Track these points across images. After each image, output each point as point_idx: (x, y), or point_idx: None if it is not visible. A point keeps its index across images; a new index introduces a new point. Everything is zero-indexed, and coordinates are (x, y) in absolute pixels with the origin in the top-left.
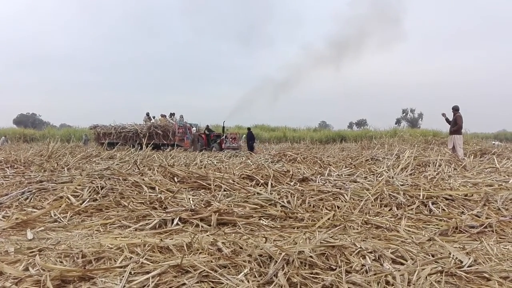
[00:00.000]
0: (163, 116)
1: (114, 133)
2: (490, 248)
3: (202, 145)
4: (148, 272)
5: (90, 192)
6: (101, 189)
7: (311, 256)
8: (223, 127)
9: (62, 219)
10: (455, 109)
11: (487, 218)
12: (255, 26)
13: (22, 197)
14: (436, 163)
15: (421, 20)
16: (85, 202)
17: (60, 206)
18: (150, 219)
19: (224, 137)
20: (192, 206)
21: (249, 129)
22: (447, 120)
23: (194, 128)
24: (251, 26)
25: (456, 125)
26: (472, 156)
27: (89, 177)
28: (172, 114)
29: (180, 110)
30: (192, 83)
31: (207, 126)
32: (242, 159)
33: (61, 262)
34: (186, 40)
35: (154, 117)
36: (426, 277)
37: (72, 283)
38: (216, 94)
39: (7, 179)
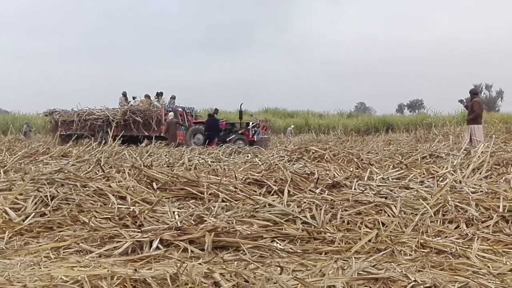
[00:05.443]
0: (147, 97)
1: (77, 121)
2: None
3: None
4: None
5: (36, 203)
6: (52, 200)
7: None
8: (240, 111)
9: None
10: (474, 93)
11: None
12: None
13: None
14: None
15: None
16: (30, 217)
17: None
18: (119, 241)
19: (255, 125)
20: (178, 223)
21: (210, 115)
22: (466, 107)
23: (172, 113)
24: None
25: (472, 113)
26: None
27: (35, 182)
28: (159, 94)
29: (173, 90)
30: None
31: (216, 110)
32: (248, 156)
33: None
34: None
35: (134, 98)
36: None
37: None
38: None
39: None
